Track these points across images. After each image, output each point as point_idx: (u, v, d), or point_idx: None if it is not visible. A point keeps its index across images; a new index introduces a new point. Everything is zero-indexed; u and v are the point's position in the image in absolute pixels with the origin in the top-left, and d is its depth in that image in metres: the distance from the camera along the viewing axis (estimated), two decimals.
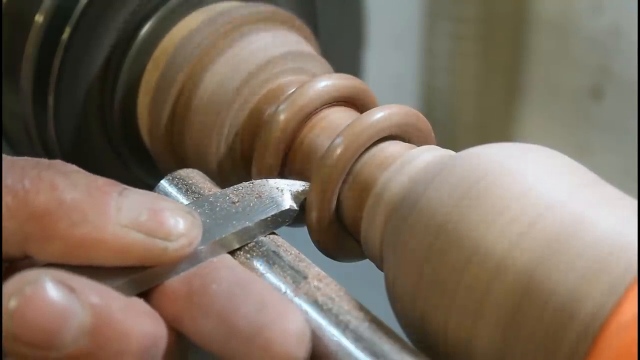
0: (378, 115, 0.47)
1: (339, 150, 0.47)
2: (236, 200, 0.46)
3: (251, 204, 0.46)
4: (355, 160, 0.47)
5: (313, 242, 0.49)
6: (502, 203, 0.40)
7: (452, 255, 0.40)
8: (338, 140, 0.47)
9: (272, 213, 0.46)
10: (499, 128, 1.30)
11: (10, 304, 0.36)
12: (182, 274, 0.41)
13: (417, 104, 1.31)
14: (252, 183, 0.47)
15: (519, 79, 1.28)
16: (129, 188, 0.41)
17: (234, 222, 0.45)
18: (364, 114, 0.48)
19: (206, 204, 0.45)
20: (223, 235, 0.44)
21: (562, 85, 1.23)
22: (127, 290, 0.40)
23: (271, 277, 0.43)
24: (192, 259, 0.42)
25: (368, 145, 0.47)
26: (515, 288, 0.38)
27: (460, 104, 1.29)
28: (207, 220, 0.44)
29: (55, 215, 0.39)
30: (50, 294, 0.37)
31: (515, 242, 0.39)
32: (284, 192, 0.47)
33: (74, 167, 0.42)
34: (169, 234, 0.40)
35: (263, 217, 0.46)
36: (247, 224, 0.45)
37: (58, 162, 0.42)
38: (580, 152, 1.19)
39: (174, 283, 0.41)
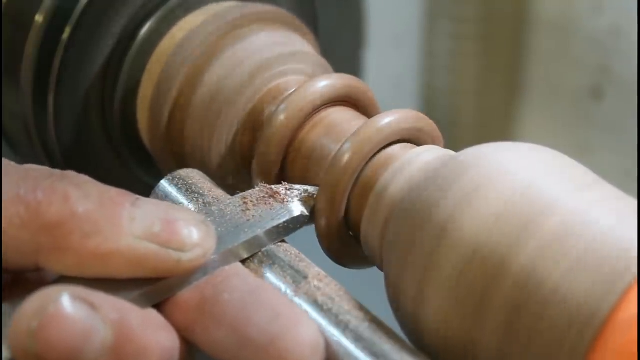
0: (386, 120, 0.47)
1: (347, 157, 0.46)
2: (246, 207, 0.45)
3: (261, 211, 0.45)
4: (364, 166, 0.47)
5: (322, 249, 0.49)
6: (503, 203, 0.40)
7: (452, 254, 0.40)
8: (346, 146, 0.47)
9: (283, 220, 0.46)
10: (499, 128, 1.30)
11: (32, 323, 0.36)
12: (194, 283, 0.41)
13: (417, 104, 1.31)
14: (261, 189, 0.47)
15: (519, 79, 1.28)
16: (141, 198, 0.41)
17: (246, 230, 0.44)
18: (372, 119, 0.48)
19: (216, 211, 0.45)
20: (235, 244, 0.43)
21: (562, 85, 1.23)
22: (142, 303, 0.40)
23: (271, 277, 0.43)
24: (205, 269, 0.41)
25: (376, 151, 0.47)
26: (515, 288, 0.38)
27: (460, 104, 1.29)
28: (218, 229, 0.43)
29: (68, 227, 0.38)
30: (72, 312, 0.36)
31: (516, 242, 0.39)
32: (294, 198, 0.47)
33: (86, 178, 0.42)
34: (183, 245, 0.40)
35: (274, 224, 0.45)
36: (259, 232, 0.44)
37: (71, 173, 0.42)
38: (580, 152, 1.19)
39: (186, 293, 0.41)
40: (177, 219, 0.40)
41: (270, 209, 0.46)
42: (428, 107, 1.31)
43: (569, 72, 1.22)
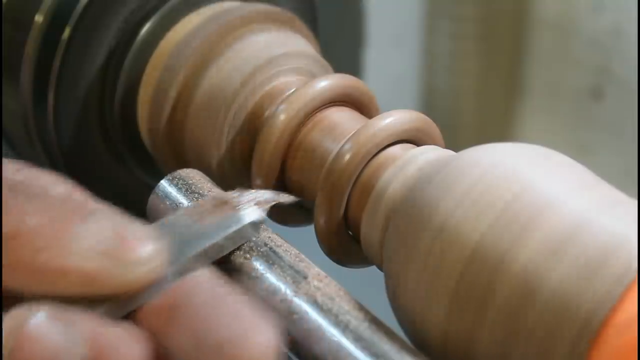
0: (386, 121, 0.47)
1: (347, 157, 0.47)
2: (200, 217, 0.45)
3: (215, 220, 0.45)
4: (363, 166, 0.47)
5: (321, 248, 0.49)
6: (502, 202, 0.40)
7: (452, 254, 0.40)
8: (346, 146, 0.47)
9: (238, 227, 0.45)
10: (499, 128, 1.30)
11: (7, 344, 0.35)
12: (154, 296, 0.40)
13: (417, 103, 1.31)
14: (213, 198, 0.46)
15: (519, 79, 1.28)
16: (95, 212, 0.40)
17: (200, 240, 0.43)
18: (373, 119, 0.48)
19: (169, 223, 0.44)
20: (190, 255, 0.42)
21: (562, 85, 1.23)
22: (110, 316, 0.39)
23: (271, 277, 0.43)
24: (161, 282, 0.40)
25: (377, 151, 0.47)
26: (515, 287, 0.38)
27: (460, 103, 1.29)
28: (172, 241, 0.42)
29: (20, 241, 0.38)
30: (47, 330, 0.36)
31: (516, 241, 0.39)
32: (248, 203, 0.46)
33: (41, 190, 0.41)
34: (135, 260, 0.39)
35: (229, 232, 0.44)
36: (213, 241, 0.44)
37: (34, 184, 0.41)
38: (580, 152, 1.19)
39: (153, 301, 0.40)
40: (128, 234, 0.39)
41: (224, 218, 0.45)
42: (428, 107, 1.31)
43: (569, 72, 1.22)
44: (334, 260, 0.49)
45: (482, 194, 0.40)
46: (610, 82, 1.17)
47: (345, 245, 0.49)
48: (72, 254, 0.38)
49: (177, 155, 0.55)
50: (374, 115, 0.52)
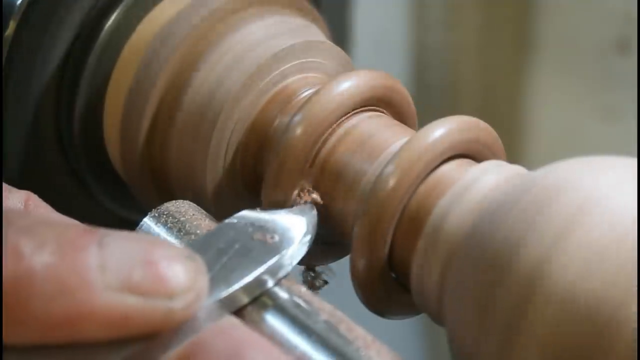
0: (437, 132, 0.46)
1: (392, 181, 0.45)
2: (238, 238, 0.44)
3: (257, 245, 0.44)
4: (412, 192, 0.45)
5: (358, 295, 0.48)
6: (615, 236, 0.37)
7: (549, 310, 0.37)
8: (389, 169, 0.45)
9: (286, 252, 0.44)
10: (505, 91, 1.32)
11: None
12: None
13: (405, 64, 1.30)
14: (251, 216, 0.45)
15: (529, 31, 1.28)
16: (109, 233, 0.39)
17: (242, 268, 0.42)
18: (421, 131, 0.47)
19: (202, 246, 0.43)
20: (233, 288, 0.41)
21: (581, 37, 1.25)
22: None
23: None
24: (199, 320, 0.39)
25: (428, 172, 0.46)
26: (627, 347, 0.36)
27: (458, 63, 1.29)
28: (214, 264, 0.42)
29: (26, 292, 0.36)
30: None
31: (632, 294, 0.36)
32: (297, 222, 0.46)
33: (36, 216, 0.40)
34: (172, 291, 0.38)
35: (277, 258, 0.43)
36: (260, 269, 0.42)
37: (17, 214, 0.39)
38: (604, 116, 1.20)
39: None
40: (159, 258, 0.38)
41: (267, 240, 0.44)
42: (419, 67, 1.33)
43: (589, 21, 1.23)
44: (372, 311, 0.48)
45: (584, 228, 0.38)
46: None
47: (388, 293, 0.48)
48: (97, 295, 0.37)
49: (160, 182, 0.54)
50: (411, 122, 0.51)
